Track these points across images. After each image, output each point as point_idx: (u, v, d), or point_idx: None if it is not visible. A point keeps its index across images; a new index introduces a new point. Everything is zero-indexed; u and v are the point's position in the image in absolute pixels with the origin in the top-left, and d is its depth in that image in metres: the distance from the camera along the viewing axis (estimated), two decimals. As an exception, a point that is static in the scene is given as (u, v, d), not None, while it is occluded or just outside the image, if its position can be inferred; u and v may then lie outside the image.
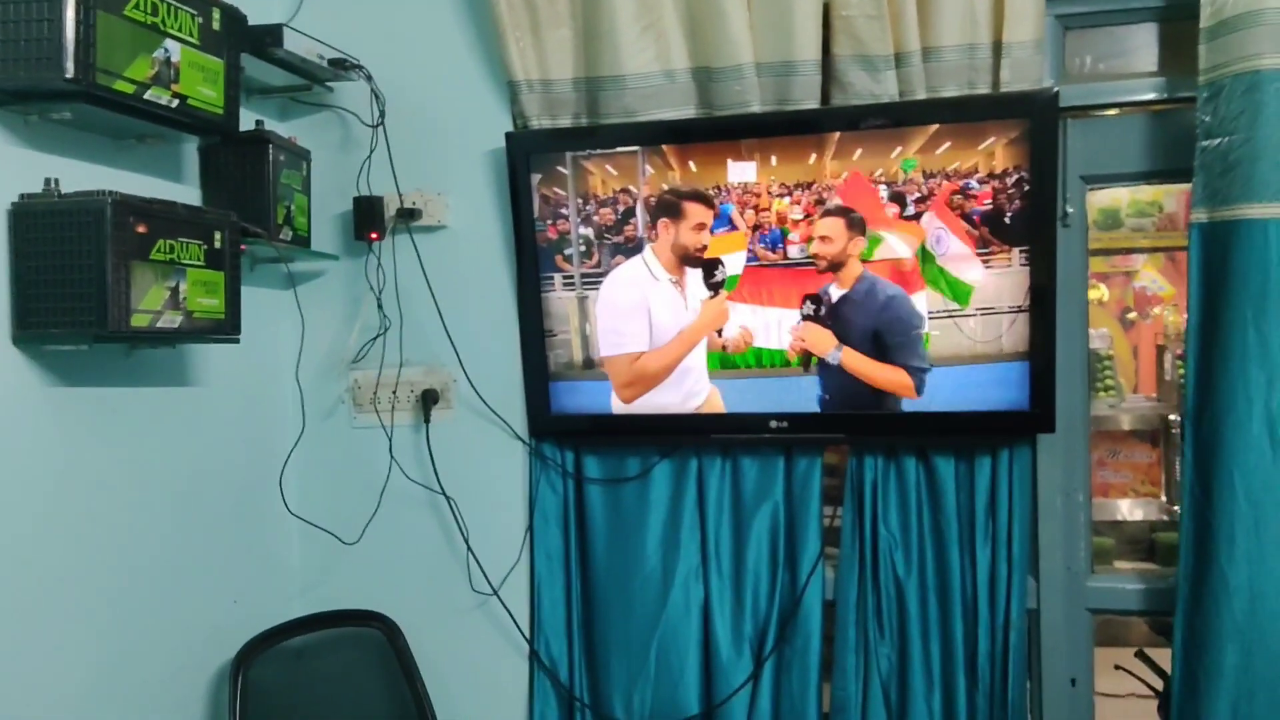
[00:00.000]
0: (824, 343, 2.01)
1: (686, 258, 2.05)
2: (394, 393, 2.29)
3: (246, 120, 1.97)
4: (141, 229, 1.61)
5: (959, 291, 1.95)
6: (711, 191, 2.02)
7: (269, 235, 2.02)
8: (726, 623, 2.15)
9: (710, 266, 2.04)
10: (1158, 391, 4.53)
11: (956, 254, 1.93)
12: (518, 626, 2.24)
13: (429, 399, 2.27)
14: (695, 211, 2.03)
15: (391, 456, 2.28)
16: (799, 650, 2.11)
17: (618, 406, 2.15)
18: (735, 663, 2.14)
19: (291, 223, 2.12)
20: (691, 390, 2.10)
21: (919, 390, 1.97)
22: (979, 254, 1.92)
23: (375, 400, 2.30)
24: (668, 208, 2.04)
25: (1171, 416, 4.19)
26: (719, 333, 2.06)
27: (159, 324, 1.66)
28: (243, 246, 1.91)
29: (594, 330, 2.15)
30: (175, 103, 1.66)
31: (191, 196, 1.98)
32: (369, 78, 2.18)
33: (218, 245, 1.79)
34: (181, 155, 1.98)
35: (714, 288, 2.04)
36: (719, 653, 2.15)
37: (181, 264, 1.70)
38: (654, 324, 2.08)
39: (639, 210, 2.06)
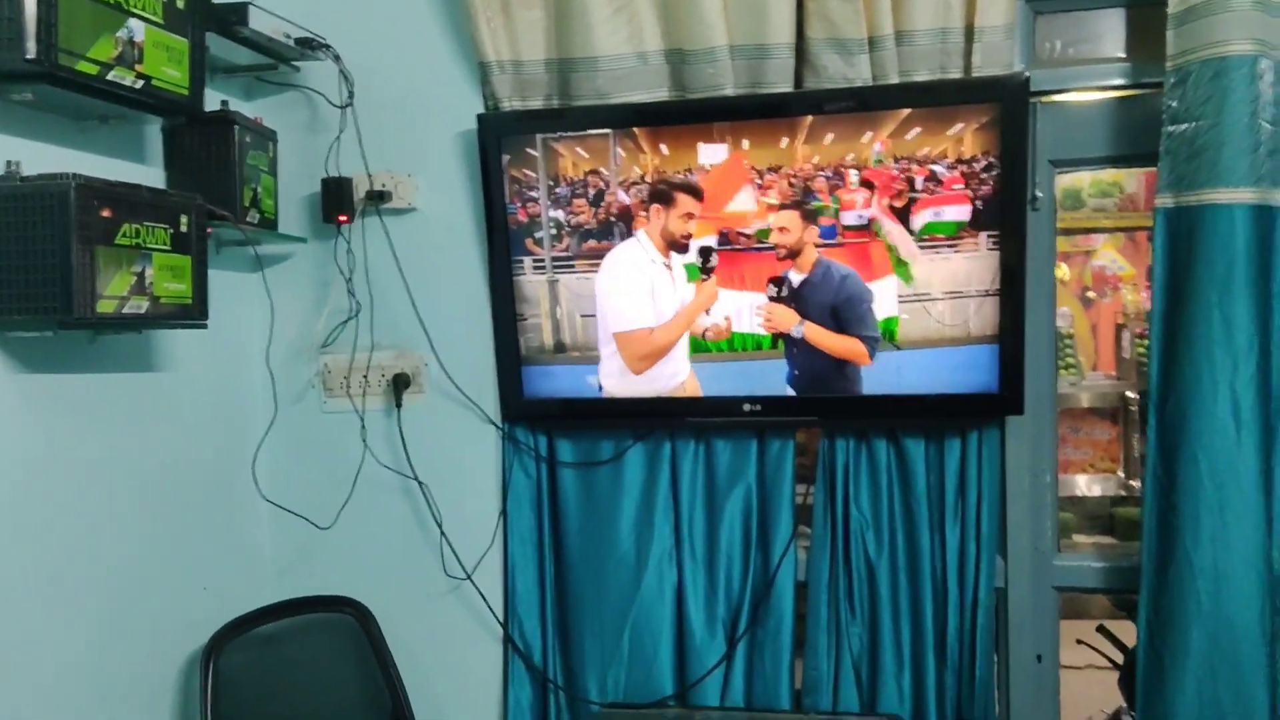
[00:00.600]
0: (788, 319, 2.04)
1: (674, 243, 2.06)
2: (365, 377, 2.28)
3: (211, 101, 1.94)
4: (106, 213, 1.58)
5: (902, 272, 1.97)
6: (685, 175, 2.02)
7: (235, 218, 1.99)
8: (700, 604, 2.17)
9: (706, 252, 2.05)
10: (1117, 369, 4.62)
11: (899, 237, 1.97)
12: (491, 610, 2.24)
13: (400, 383, 2.26)
14: (685, 201, 2.04)
15: (364, 441, 2.26)
16: (771, 631, 2.13)
17: (591, 390, 2.15)
18: (708, 643, 2.16)
19: (258, 205, 2.08)
20: (674, 371, 2.10)
21: (871, 356, 2.01)
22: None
23: (346, 385, 2.28)
24: (661, 195, 2.05)
25: (1130, 394, 4.28)
26: (707, 312, 2.07)
27: (125, 310, 1.63)
28: (209, 229, 1.88)
29: (564, 314, 2.15)
30: (139, 83, 1.62)
31: (156, 179, 1.95)
32: (337, 57, 2.14)
33: (184, 229, 1.75)
34: (145, 136, 1.93)
35: (708, 271, 2.05)
36: (692, 634, 2.16)
37: (147, 248, 1.67)
38: (655, 302, 2.09)
39: (619, 194, 2.06)
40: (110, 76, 1.56)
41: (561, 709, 2.23)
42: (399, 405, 2.25)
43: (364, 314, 2.26)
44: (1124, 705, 2.87)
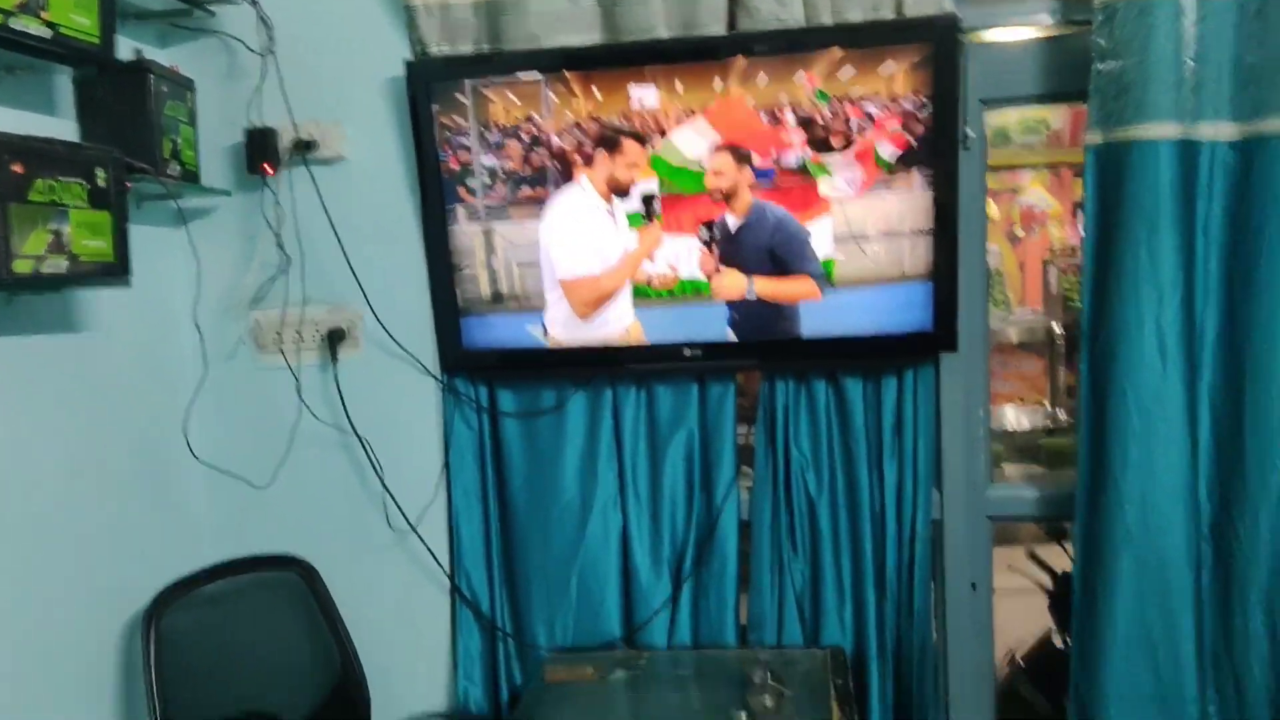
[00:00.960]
0: (737, 285, 2.04)
1: (618, 189, 2.04)
2: (298, 333, 2.23)
3: (124, 49, 1.86)
4: (17, 168, 1.51)
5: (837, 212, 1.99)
6: (622, 121, 2.00)
7: (155, 171, 1.92)
8: (645, 548, 2.19)
9: (649, 198, 2.03)
10: (1044, 304, 4.74)
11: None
12: (437, 562, 2.24)
13: (335, 338, 2.22)
14: (632, 149, 2.01)
15: (300, 398, 2.23)
16: (716, 571, 2.17)
17: (531, 340, 2.13)
18: (655, 586, 2.19)
19: (179, 157, 2.01)
20: (619, 317, 2.10)
21: (821, 291, 2.02)
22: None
23: (279, 341, 2.24)
24: (608, 141, 2.02)
25: (1057, 328, 4.40)
26: (650, 259, 2.06)
27: (43, 269, 1.57)
28: (128, 184, 1.81)
29: (501, 263, 2.12)
30: (46, 32, 1.54)
31: (69, 132, 1.86)
32: (254, 1, 2.06)
33: (101, 183, 1.69)
34: (55, 88, 1.85)
35: (650, 216, 2.04)
36: (638, 577, 2.19)
37: (63, 205, 1.60)
38: (599, 248, 2.07)
39: (554, 139, 2.02)
40: (14, 25, 1.48)
41: (511, 656, 2.25)
42: (335, 360, 2.21)
43: (294, 268, 2.21)
44: (1053, 627, 3.01)
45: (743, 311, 2.06)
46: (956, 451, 2.11)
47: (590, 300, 2.11)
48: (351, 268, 2.18)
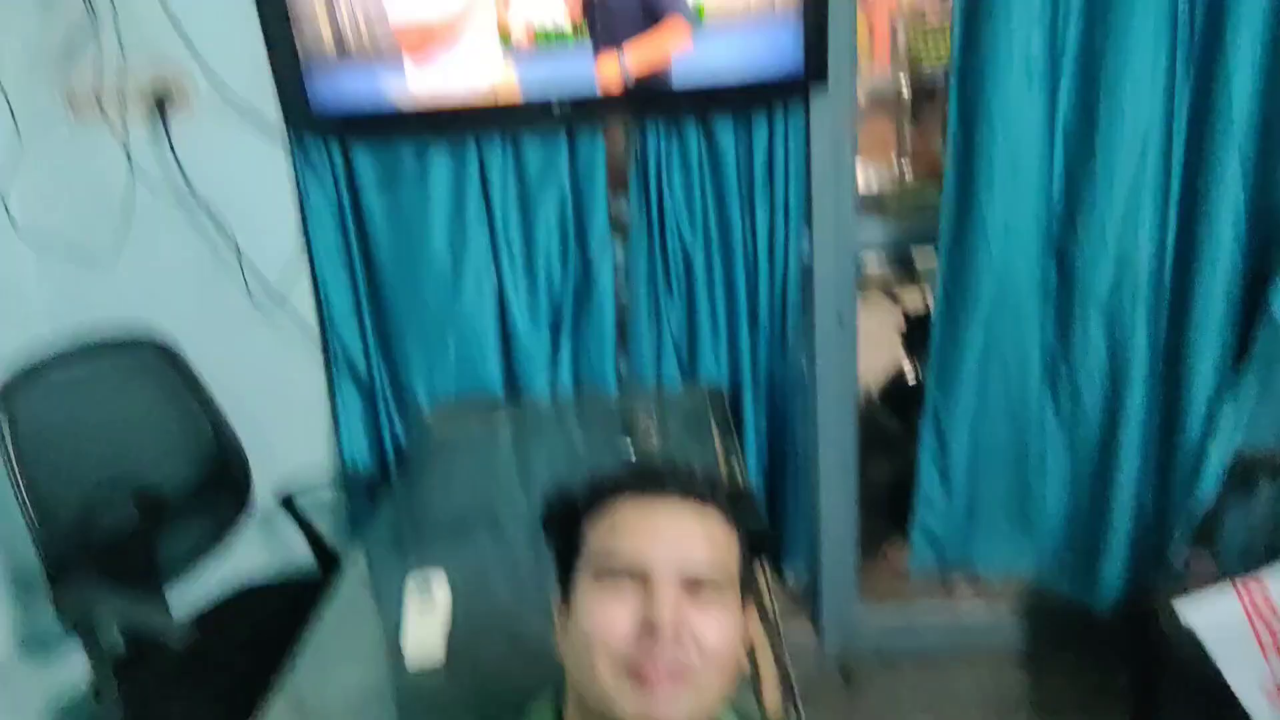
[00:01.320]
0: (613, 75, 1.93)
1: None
2: (121, 95, 2.01)
3: None
4: None
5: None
6: None
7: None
8: (522, 304, 2.18)
9: None
10: (891, 66, 4.76)
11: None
12: (306, 331, 2.17)
13: (163, 100, 2.02)
14: None
15: (130, 165, 2.04)
16: (594, 319, 2.18)
17: (386, 94, 1.99)
18: (534, 339, 2.20)
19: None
20: (483, 72, 1.97)
21: (692, 35, 1.95)
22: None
23: (99, 106, 2.02)
24: None
25: (905, 89, 4.45)
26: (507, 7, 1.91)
27: None
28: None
29: (344, 9, 1.94)
30: None
31: None
32: None
33: None
34: None
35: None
36: (517, 333, 2.19)
37: None
38: None
39: None
40: None
41: (393, 416, 2.24)
42: (165, 125, 2.02)
43: (105, 22, 1.97)
44: (902, 357, 3.22)
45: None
46: (825, 190, 2.14)
47: (433, 46, 1.96)
48: (172, 19, 1.96)
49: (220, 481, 2.11)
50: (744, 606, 0.91)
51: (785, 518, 2.35)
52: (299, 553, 2.22)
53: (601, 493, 0.91)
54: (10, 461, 1.76)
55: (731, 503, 0.92)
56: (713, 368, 2.22)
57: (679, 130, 2.08)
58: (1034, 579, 2.34)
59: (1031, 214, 1.98)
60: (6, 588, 1.91)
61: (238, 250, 2.10)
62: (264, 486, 2.13)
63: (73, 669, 2.05)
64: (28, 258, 2.05)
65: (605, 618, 0.84)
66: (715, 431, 2.00)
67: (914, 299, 3.25)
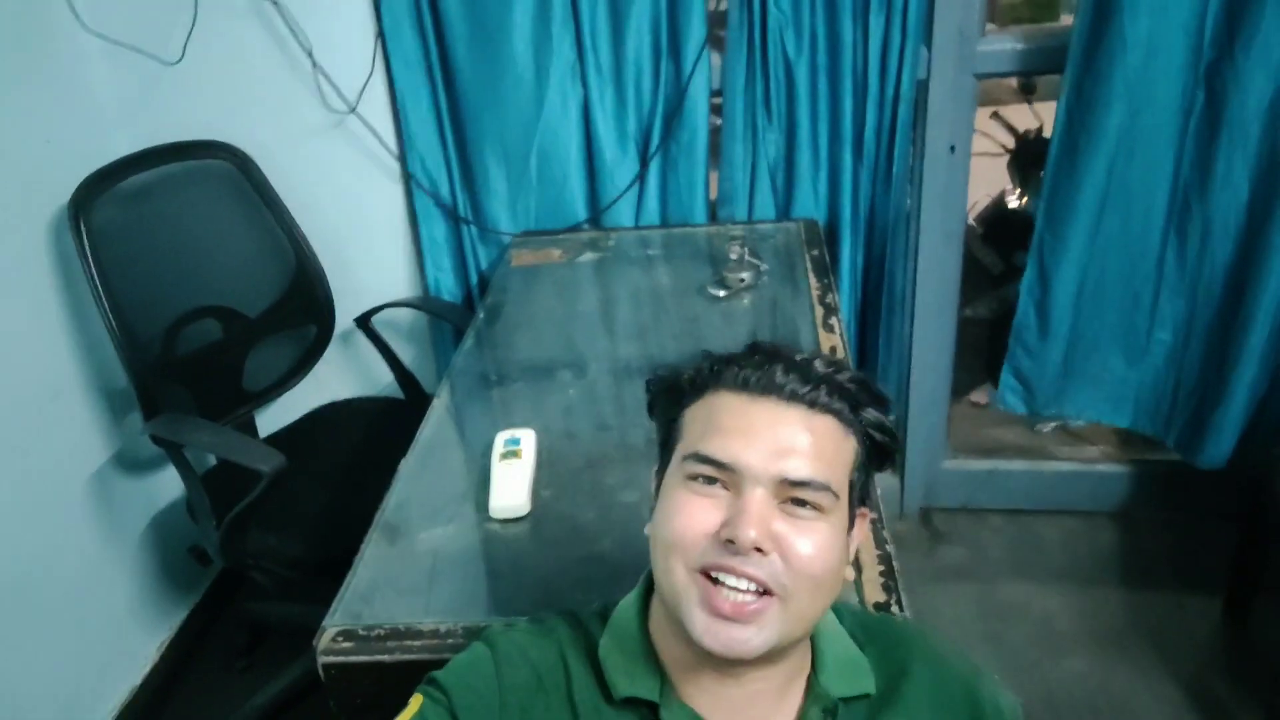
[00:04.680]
0: None
1: None
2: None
3: None
4: None
5: None
6: None
7: None
8: (609, 122, 2.03)
9: None
10: None
11: None
12: (384, 145, 2.06)
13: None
14: None
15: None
16: (685, 144, 2.04)
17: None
18: (620, 162, 2.07)
19: None
20: None
21: None
22: None
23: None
24: None
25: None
26: None
27: None
28: None
29: None
30: None
31: None
32: None
33: None
34: None
35: None
36: (602, 154, 2.05)
37: None
38: None
39: None
40: None
41: (475, 241, 2.15)
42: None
43: None
44: (1008, 187, 3.02)
45: None
46: (949, 1, 1.92)
47: None
48: None
49: (301, 301, 2.07)
50: (854, 520, 0.81)
51: (875, 362, 2.25)
52: (379, 377, 2.21)
53: (703, 383, 0.81)
54: (91, 270, 1.72)
55: (853, 404, 0.79)
56: (810, 200, 2.07)
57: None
58: (1131, 430, 2.23)
59: (1180, 27, 1.75)
60: (98, 397, 1.92)
61: (310, 54, 1.97)
62: (343, 308, 2.09)
63: (169, 482, 2.10)
64: (96, 57, 1.94)
65: (685, 519, 0.75)
66: (810, 269, 1.88)
67: (1023, 117, 3.00)
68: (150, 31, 1.94)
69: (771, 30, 1.93)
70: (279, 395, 2.07)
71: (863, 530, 0.84)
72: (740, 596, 0.73)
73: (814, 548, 0.74)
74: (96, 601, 1.93)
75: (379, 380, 2.24)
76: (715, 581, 0.73)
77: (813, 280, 1.84)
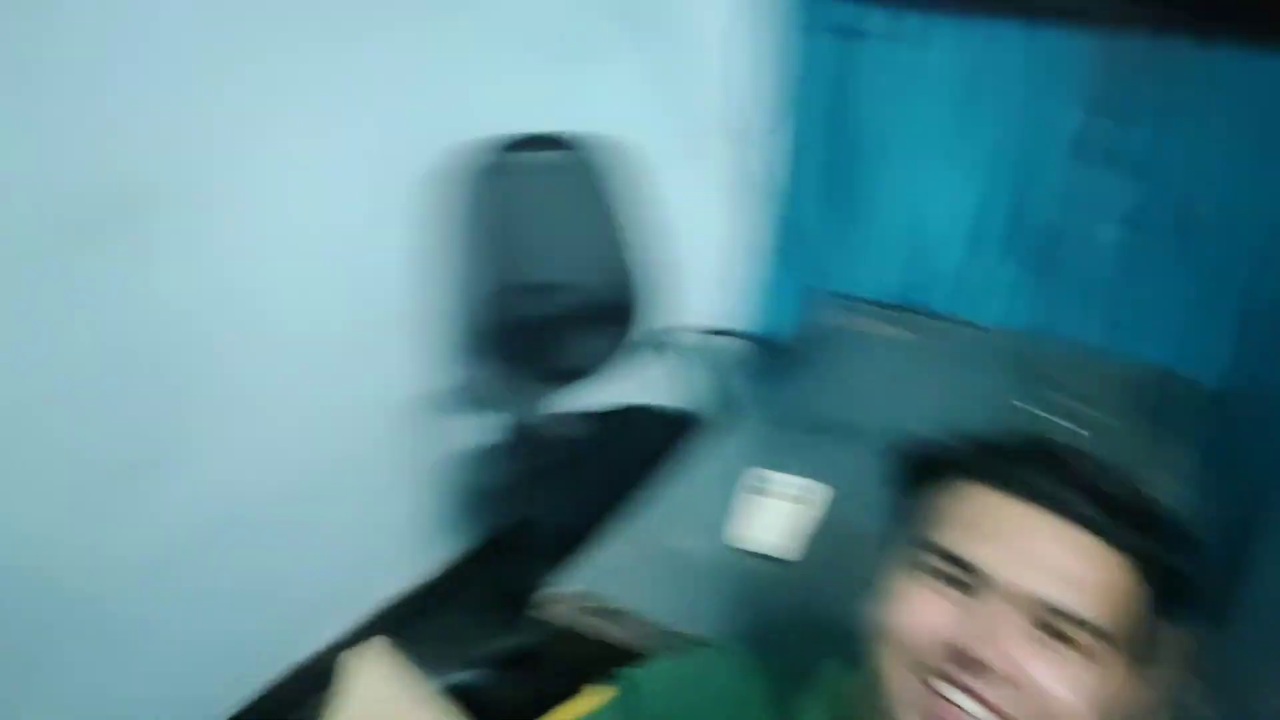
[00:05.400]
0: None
1: None
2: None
3: None
4: None
5: None
6: None
7: None
8: (995, 215, 1.94)
9: None
10: None
11: None
12: (759, 177, 2.09)
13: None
14: None
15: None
16: (1043, 251, 1.90)
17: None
18: (975, 254, 1.97)
19: None
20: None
21: None
22: None
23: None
24: None
25: None
26: None
27: None
28: None
29: None
30: None
31: None
32: None
33: None
34: None
35: None
36: (979, 243, 1.97)
37: None
38: None
39: None
40: None
41: (812, 292, 2.13)
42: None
43: None
44: None
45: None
46: None
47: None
48: None
49: (625, 300, 2.16)
50: (1130, 673, 0.67)
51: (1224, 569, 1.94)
52: (677, 387, 2.24)
53: (961, 468, 0.71)
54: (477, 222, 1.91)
55: (1150, 537, 0.67)
56: (1177, 341, 1.85)
57: (1202, 48, 1.68)
58: None
59: None
60: (425, 336, 2.09)
61: (719, 79, 2.05)
62: (666, 315, 2.16)
63: (467, 427, 2.25)
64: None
65: (913, 616, 0.67)
66: (1158, 428, 1.65)
67: None
68: (568, 28, 2.05)
69: (1172, 149, 1.75)
70: (579, 382, 2.17)
71: (1145, 694, 0.70)
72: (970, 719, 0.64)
73: (1065, 689, 0.63)
74: (379, 516, 2.07)
75: (676, 391, 2.28)
76: (940, 694, 0.65)
77: (1159, 446, 1.60)
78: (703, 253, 2.22)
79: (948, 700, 0.64)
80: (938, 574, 0.67)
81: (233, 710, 1.81)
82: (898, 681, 0.67)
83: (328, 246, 1.76)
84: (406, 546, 2.18)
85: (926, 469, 0.74)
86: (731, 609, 1.12)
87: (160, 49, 1.40)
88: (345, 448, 1.94)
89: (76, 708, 1.55)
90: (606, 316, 2.17)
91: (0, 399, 1.35)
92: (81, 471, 1.47)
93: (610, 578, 1.15)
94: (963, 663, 0.64)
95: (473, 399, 1.98)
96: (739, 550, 1.21)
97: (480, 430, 2.08)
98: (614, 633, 1.06)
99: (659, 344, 2.23)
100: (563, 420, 2.02)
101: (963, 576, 0.66)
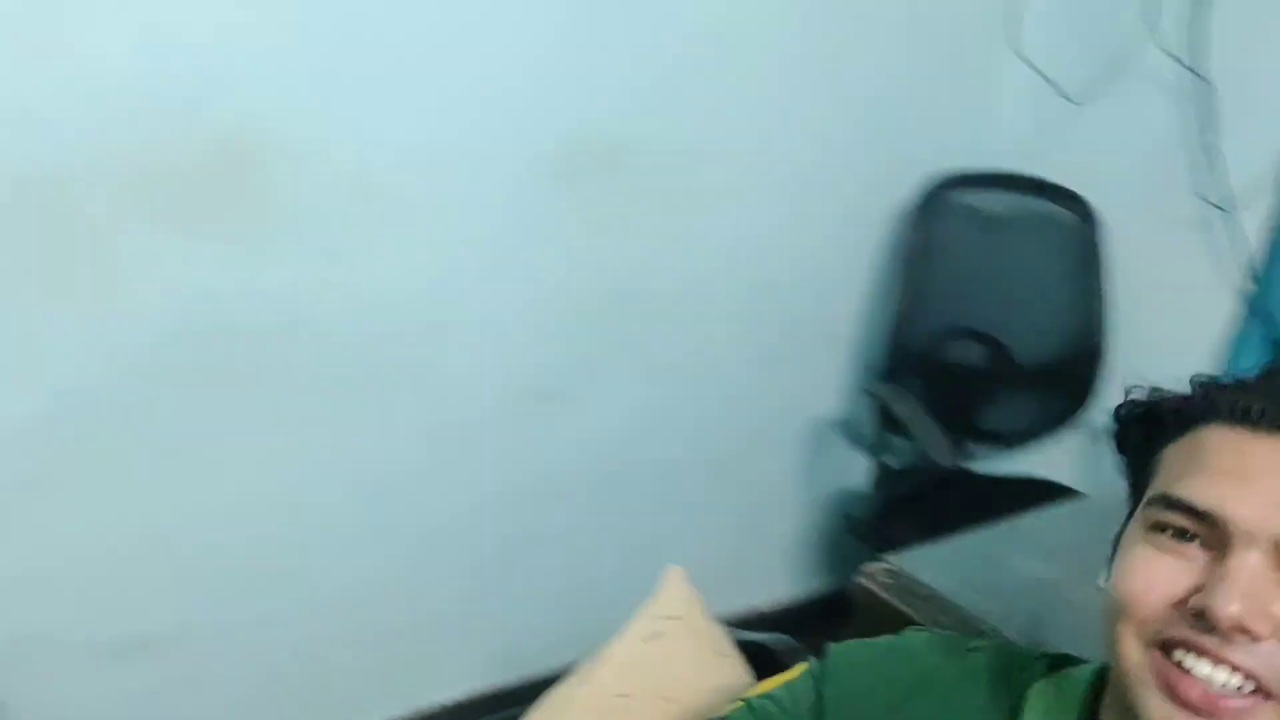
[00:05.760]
0: None
1: None
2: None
3: None
4: None
5: None
6: None
7: None
8: None
9: None
10: None
11: None
12: (1240, 259, 1.80)
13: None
14: None
15: (1143, 18, 1.85)
16: None
17: None
18: None
19: None
20: None
21: None
22: None
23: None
24: None
25: None
26: None
27: None
28: None
29: None
30: None
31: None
32: None
33: None
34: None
35: None
36: None
37: None
38: None
39: None
40: None
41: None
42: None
43: None
44: None
45: None
46: None
47: None
48: None
49: (1073, 372, 1.96)
50: None
51: None
52: (1097, 476, 1.99)
53: (1190, 414, 0.62)
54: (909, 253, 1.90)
55: None
56: None
57: None
58: None
59: None
60: (840, 359, 2.09)
61: (1208, 142, 1.81)
62: (1110, 397, 1.92)
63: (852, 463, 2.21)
64: (1014, 76, 2.03)
65: (1142, 581, 0.59)
66: None
67: None
68: (1067, 67, 1.96)
69: None
70: (998, 446, 2.00)
71: None
72: (1217, 687, 0.55)
73: None
74: (764, 506, 2.15)
75: (1090, 479, 2.00)
76: (1179, 664, 0.57)
77: None
78: (1174, 330, 1.94)
79: (1189, 673, 0.56)
80: (1174, 532, 0.59)
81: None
82: (1134, 659, 0.59)
83: (771, 251, 1.86)
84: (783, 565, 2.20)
85: (1155, 423, 0.66)
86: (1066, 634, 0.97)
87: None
88: (755, 445, 2.05)
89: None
90: (1049, 384, 1.99)
91: (505, 304, 1.65)
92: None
93: (936, 568, 1.08)
94: (1205, 626, 0.56)
95: (872, 433, 1.93)
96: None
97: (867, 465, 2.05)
98: (917, 614, 0.99)
99: (1100, 430, 1.99)
100: (953, 477, 1.88)
101: (1197, 528, 0.58)
